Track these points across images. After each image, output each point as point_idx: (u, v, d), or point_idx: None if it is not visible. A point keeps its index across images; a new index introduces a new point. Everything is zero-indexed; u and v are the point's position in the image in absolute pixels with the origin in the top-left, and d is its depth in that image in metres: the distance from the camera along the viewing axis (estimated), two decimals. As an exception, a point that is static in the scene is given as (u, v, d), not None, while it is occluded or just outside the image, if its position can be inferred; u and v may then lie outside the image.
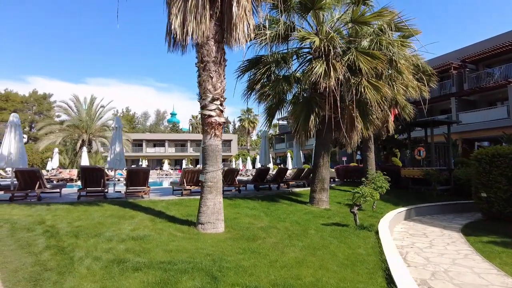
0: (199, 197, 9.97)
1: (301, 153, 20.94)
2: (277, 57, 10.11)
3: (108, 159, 9.76)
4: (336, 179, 19.43)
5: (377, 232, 6.81)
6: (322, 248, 5.32)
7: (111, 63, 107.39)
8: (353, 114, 9.97)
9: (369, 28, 9.70)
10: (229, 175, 11.31)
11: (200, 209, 6.03)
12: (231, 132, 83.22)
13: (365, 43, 9.69)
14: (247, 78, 10.60)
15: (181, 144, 60.47)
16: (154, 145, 59.47)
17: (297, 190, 13.17)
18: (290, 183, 13.83)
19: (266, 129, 13.74)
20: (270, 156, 20.56)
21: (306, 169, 15.19)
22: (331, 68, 8.33)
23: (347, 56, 8.75)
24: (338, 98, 8.77)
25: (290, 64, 10.00)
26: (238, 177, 13.02)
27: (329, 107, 9.28)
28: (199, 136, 64.11)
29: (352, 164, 26.70)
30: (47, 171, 30.38)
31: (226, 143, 61.56)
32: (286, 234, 6.18)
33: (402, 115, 14.46)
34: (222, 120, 6.23)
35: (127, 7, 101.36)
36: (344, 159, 30.03)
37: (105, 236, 5.13)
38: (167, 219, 6.62)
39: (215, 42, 6.23)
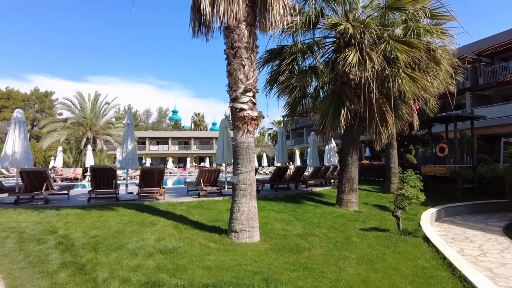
0: (217, 198, 9.62)
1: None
2: (302, 47, 9.35)
3: (119, 158, 9.02)
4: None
5: (425, 238, 6.12)
6: (379, 261, 4.59)
7: (112, 62, 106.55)
8: (384, 108, 9.27)
9: (402, 14, 8.93)
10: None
11: (232, 215, 5.30)
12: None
13: (398, 31, 8.92)
14: (266, 71, 9.87)
15: (184, 142, 59.76)
16: (157, 143, 58.77)
17: (317, 190, 12.45)
18: (309, 182, 13.09)
19: (280, 126, 13.02)
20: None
21: (323, 168, 14.44)
22: (366, 58, 7.56)
23: (382, 45, 7.98)
24: (375, 90, 8.04)
25: (317, 54, 9.23)
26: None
27: (358, 100, 8.58)
28: (202, 134, 63.64)
29: (364, 162, 25.95)
30: (50, 169, 29.79)
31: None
32: (329, 243, 5.45)
33: (425, 110, 13.68)
34: (255, 114, 5.49)
35: (128, 6, 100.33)
36: (355, 156, 29.16)
37: (128, 248, 4.40)
38: (192, 225, 5.90)
39: (247, 26, 5.48)
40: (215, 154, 53.61)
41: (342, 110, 8.31)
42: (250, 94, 5.50)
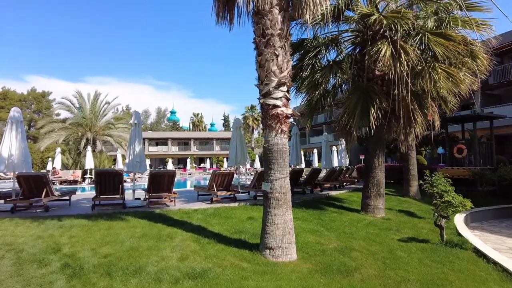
0: (233, 205, 8.61)
1: (301, 152, 19.57)
2: (325, 40, 8.65)
3: (126, 160, 8.27)
4: (360, 180, 17.97)
5: (477, 251, 5.45)
6: (445, 284, 3.87)
7: (110, 62, 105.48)
8: (411, 107, 8.60)
9: (432, 5, 8.25)
10: (262, 178, 9.81)
11: (265, 229, 4.57)
12: (231, 129, 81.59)
13: (430, 23, 8.23)
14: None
15: (184, 143, 58.91)
16: (157, 144, 57.89)
17: (334, 194, 11.73)
18: (325, 185, 12.37)
19: (296, 125, 12.32)
20: (302, 155, 18.91)
21: (338, 169, 13.74)
22: (400, 51, 6.87)
23: (417, 37, 7.28)
24: (404, 87, 7.35)
25: (342, 47, 8.51)
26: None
27: (385, 98, 7.93)
28: (202, 134, 62.82)
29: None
30: (47, 171, 28.87)
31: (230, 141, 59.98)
32: (376, 259, 4.74)
33: (443, 109, 12.99)
34: (289, 111, 4.77)
35: (127, 7, 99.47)
36: (362, 157, 28.51)
37: (148, 272, 3.66)
38: (215, 239, 5.16)
39: (281, 10, 4.76)
40: (215, 155, 52.76)
41: (372, 109, 7.61)
42: (284, 88, 4.77)
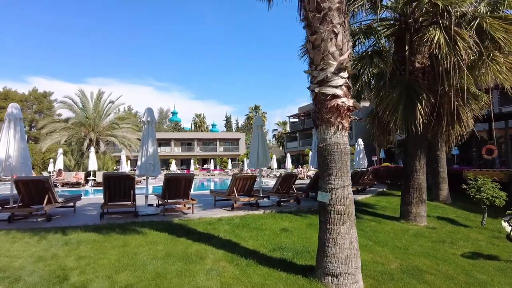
0: (257, 212, 7.47)
1: (289, 155, 18.49)
2: (358, 29, 7.74)
3: (138, 162, 7.34)
4: (376, 183, 16.99)
5: None
6: None
7: (111, 63, 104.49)
8: (456, 103, 7.70)
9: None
10: (286, 182, 8.91)
11: (325, 250, 3.63)
12: (234, 130, 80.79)
13: (481, 8, 7.31)
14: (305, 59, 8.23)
15: (187, 144, 57.98)
16: (160, 145, 56.89)
17: (360, 198, 10.81)
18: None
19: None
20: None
21: (359, 172, 12.80)
22: (456, 38, 5.96)
23: (474, 22, 6.35)
24: (454, 79, 6.44)
25: (381, 35, 7.56)
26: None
27: (429, 91, 7.07)
28: (205, 135, 61.80)
29: (384, 164, 24.30)
30: (49, 172, 27.91)
31: (234, 142, 59.18)
32: (457, 285, 3.81)
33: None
34: (351, 102, 3.83)
35: (127, 7, 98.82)
36: (375, 158, 27.58)
37: (187, 314, 2.72)
38: (254, 258, 4.23)
39: (339, -21, 3.83)
40: (218, 156, 51.84)
41: (419, 105, 6.69)
42: (345, 74, 3.84)
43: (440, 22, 6.26)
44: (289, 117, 52.21)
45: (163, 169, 50.81)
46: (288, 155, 32.75)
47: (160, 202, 8.17)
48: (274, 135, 63.79)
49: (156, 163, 7.43)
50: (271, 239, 5.32)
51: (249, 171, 38.35)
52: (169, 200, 7.24)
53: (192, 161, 44.33)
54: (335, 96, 3.77)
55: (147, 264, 3.83)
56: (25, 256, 4.05)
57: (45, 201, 6.48)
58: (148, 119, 7.47)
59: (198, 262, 4.00)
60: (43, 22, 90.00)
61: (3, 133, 6.79)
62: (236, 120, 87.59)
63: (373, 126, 8.76)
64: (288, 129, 56.47)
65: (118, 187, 6.94)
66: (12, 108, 6.98)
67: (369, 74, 8.56)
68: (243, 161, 44.61)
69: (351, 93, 3.94)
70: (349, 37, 4.02)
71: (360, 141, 16.05)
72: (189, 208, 7.45)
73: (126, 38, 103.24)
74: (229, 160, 45.89)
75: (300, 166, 32.23)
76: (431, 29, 6.25)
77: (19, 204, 6.52)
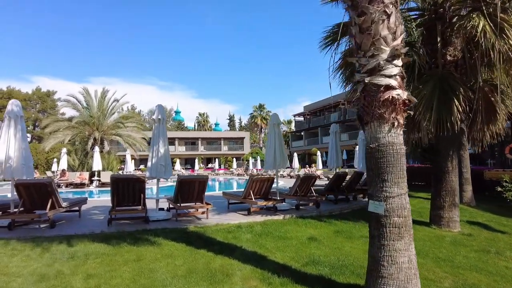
0: (276, 218, 6.83)
1: (296, 154, 18.00)
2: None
3: (149, 164, 6.79)
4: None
5: None
6: None
7: (114, 63, 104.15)
8: (492, 98, 7.13)
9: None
10: (305, 184, 8.33)
11: (380, 270, 3.05)
12: (237, 129, 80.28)
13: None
14: (329, 53, 7.64)
15: (191, 143, 57.49)
16: (163, 144, 56.50)
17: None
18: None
19: (334, 124, 10.78)
20: (342, 156, 17.32)
21: (356, 173, 12.16)
22: (504, 25, 5.37)
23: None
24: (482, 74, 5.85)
25: (413, 26, 6.94)
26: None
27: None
28: (209, 134, 61.27)
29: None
30: (53, 172, 27.45)
31: (239, 141, 58.64)
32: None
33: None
34: (405, 96, 3.25)
35: (129, 7, 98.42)
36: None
37: None
38: (288, 276, 3.66)
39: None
40: (223, 155, 51.34)
41: (456, 100, 6.09)
42: (399, 62, 3.26)
43: (483, 8, 5.65)
44: (294, 115, 51.61)
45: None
46: (295, 154, 32.14)
47: (171, 206, 7.63)
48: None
49: (168, 164, 6.88)
50: (300, 250, 4.75)
51: (254, 170, 37.80)
52: (182, 204, 6.69)
53: (196, 160, 43.80)
54: (389, 88, 3.19)
55: (168, 285, 3.27)
56: (26, 274, 3.50)
57: (49, 206, 5.95)
58: (159, 117, 6.91)
59: (225, 281, 3.44)
60: (45, 22, 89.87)
61: (3, 132, 6.26)
62: (240, 119, 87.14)
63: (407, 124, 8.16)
64: (293, 127, 55.85)
65: (127, 190, 6.39)
66: (12, 105, 6.44)
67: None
68: (248, 161, 44.04)
69: (404, 84, 3.35)
70: (402, 20, 3.44)
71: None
72: (203, 212, 6.90)
73: (128, 38, 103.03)
74: (234, 159, 45.24)
75: (307, 165, 31.58)
76: (474, 15, 5.64)
77: (20, 209, 5.99)
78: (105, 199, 12.67)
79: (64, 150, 20.95)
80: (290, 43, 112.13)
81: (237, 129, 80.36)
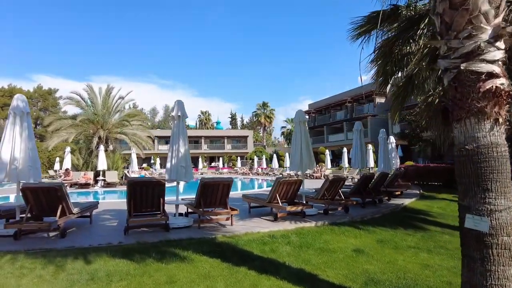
0: (308, 225, 6.22)
1: (371, 152, 17.30)
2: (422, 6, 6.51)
3: (168, 165, 6.18)
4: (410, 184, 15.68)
5: None
6: None
7: (115, 61, 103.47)
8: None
9: None
10: (333, 187, 7.71)
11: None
12: (239, 127, 79.62)
13: None
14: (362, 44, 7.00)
15: (194, 141, 56.85)
16: (166, 142, 55.93)
17: (407, 203, 9.58)
18: (396, 193, 10.21)
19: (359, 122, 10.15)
20: (371, 155, 16.61)
21: (399, 173, 11.57)
22: None
23: None
24: None
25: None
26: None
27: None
28: (212, 132, 60.57)
29: (408, 163, 22.96)
30: (55, 171, 26.86)
31: (242, 139, 58.03)
32: None
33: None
34: (508, 85, 2.62)
35: (130, 5, 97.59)
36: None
37: None
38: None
39: None
40: (226, 154, 50.65)
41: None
42: (502, 44, 2.63)
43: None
44: (307, 112, 50.93)
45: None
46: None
47: (189, 210, 7.03)
48: (282, 133, 62.52)
49: (188, 165, 6.27)
50: (350, 266, 4.13)
51: (259, 169, 37.12)
52: (204, 210, 6.07)
53: (200, 159, 43.22)
54: (491, 75, 2.56)
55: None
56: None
57: (59, 212, 5.34)
58: (179, 114, 6.29)
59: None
60: (46, 20, 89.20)
61: (7, 130, 5.64)
62: (241, 117, 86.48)
63: (430, 121, 7.54)
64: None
65: (145, 195, 5.78)
66: (18, 100, 5.82)
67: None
68: (252, 159, 43.41)
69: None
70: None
71: (392, 138, 14.79)
72: (227, 219, 6.29)
73: (129, 36, 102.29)
74: (238, 158, 44.63)
75: (317, 165, 30.96)
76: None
77: (28, 216, 5.38)
78: (113, 201, 12.08)
79: (68, 149, 20.37)
80: (292, 42, 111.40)
81: (239, 128, 79.65)
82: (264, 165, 37.82)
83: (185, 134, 6.38)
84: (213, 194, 6.19)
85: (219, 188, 6.19)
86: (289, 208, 6.54)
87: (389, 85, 7.64)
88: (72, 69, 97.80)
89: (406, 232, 6.11)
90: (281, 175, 27.26)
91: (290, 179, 6.88)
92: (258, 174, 34.21)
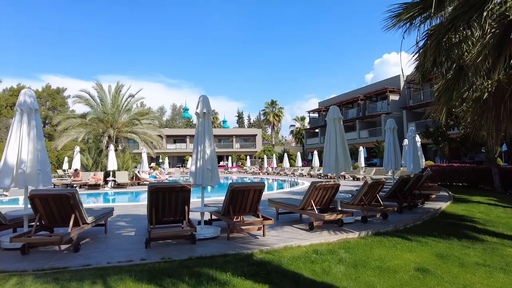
0: (351, 236, 5.39)
1: (316, 152, 16.25)
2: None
3: (192, 168, 5.47)
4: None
5: None
6: None
7: (122, 60, 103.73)
8: None
9: None
10: (371, 192, 6.94)
11: None
12: (246, 126, 78.88)
13: None
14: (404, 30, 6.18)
15: (202, 140, 56.27)
16: (174, 141, 55.54)
17: (443, 207, 8.77)
18: (432, 196, 9.39)
19: (390, 118, 9.30)
20: (411, 155, 15.45)
21: (429, 174, 10.73)
22: None
23: None
24: None
25: None
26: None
27: None
28: (220, 131, 59.87)
29: (427, 163, 22.00)
30: (64, 171, 26.41)
31: (251, 138, 57.32)
32: None
33: None
34: None
35: (137, 4, 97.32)
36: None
37: None
38: None
39: None
40: (235, 153, 50.06)
41: None
42: None
43: None
44: (309, 112, 49.96)
45: (178, 166, 49.15)
46: (315, 152, 30.79)
47: (213, 217, 6.33)
48: (291, 131, 61.63)
49: (215, 168, 5.55)
50: (425, 293, 3.38)
51: (269, 168, 36.36)
52: (235, 218, 5.36)
53: (209, 158, 42.54)
54: None
55: None
56: None
57: (71, 223, 4.68)
58: (204, 110, 5.57)
59: None
60: (54, 21, 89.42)
61: (14, 129, 4.99)
62: (248, 116, 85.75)
63: (480, 116, 6.70)
64: (306, 124, 54.26)
65: (168, 202, 5.08)
66: (25, 95, 5.16)
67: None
68: (262, 158, 42.64)
69: None
70: None
71: (417, 137, 13.90)
72: (259, 228, 5.57)
73: (136, 36, 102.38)
74: (247, 157, 43.94)
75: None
76: None
77: (37, 226, 4.73)
78: (125, 204, 11.44)
79: (77, 148, 19.85)
80: (296, 41, 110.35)
81: (246, 126, 78.94)
82: (275, 164, 37.05)
83: (211, 133, 5.67)
84: (243, 200, 5.47)
85: (250, 194, 5.47)
86: (327, 217, 5.78)
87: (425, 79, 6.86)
88: (79, 68, 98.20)
89: (462, 244, 5.33)
90: (293, 175, 26.45)
91: (327, 183, 6.13)
92: (268, 174, 33.45)
